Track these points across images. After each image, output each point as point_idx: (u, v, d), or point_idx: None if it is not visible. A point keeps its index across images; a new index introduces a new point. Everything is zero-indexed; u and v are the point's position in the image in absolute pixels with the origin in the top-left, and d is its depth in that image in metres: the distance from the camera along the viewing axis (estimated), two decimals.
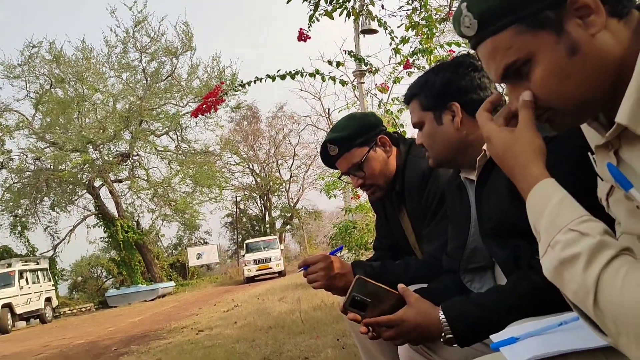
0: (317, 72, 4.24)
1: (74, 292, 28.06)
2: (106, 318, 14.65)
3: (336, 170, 2.13)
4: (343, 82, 4.53)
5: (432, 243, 1.78)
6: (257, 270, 22.46)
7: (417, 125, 1.50)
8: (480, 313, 1.20)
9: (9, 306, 16.24)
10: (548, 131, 1.09)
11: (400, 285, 1.38)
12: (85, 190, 25.13)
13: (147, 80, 25.52)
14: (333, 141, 1.90)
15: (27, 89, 24.20)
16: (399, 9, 4.79)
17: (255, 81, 4.06)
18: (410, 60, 4.64)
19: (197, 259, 29.06)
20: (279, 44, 76.97)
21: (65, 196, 25.10)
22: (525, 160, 0.82)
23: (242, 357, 4.73)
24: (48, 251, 24.94)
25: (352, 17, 4.38)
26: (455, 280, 1.52)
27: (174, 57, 25.57)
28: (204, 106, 3.98)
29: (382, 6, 4.63)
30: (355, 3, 4.44)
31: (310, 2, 4.14)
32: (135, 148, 26.02)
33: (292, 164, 37.34)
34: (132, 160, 26.64)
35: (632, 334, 0.62)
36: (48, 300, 19.14)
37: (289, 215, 38.11)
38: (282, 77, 4.03)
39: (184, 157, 27.06)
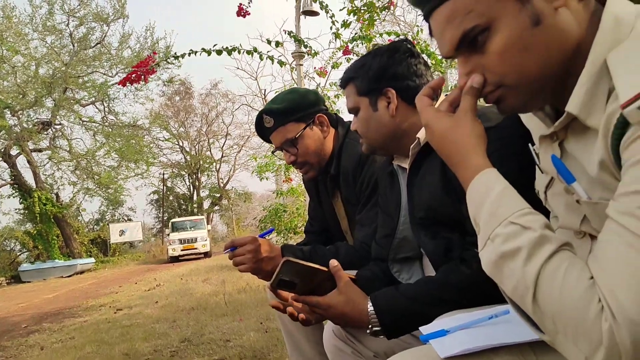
0: (255, 50, 4.16)
1: None
2: (18, 293, 13.82)
3: (270, 152, 2.06)
4: (281, 63, 4.46)
5: (363, 229, 1.75)
6: (182, 250, 22.02)
7: (353, 110, 1.46)
8: (409, 305, 1.19)
9: None
10: (487, 121, 1.08)
11: (333, 263, 1.33)
12: (0, 158, 23.60)
13: (74, 46, 24.23)
14: (269, 112, 1.83)
15: None
16: None
17: (190, 54, 3.94)
18: (350, 46, 4.63)
19: (120, 235, 28.22)
20: (218, 21, 75.25)
21: None
22: (465, 148, 0.79)
23: (161, 337, 4.61)
24: None
25: None
26: (384, 268, 1.50)
27: (105, 24, 24.51)
28: (134, 76, 3.81)
29: None
30: None
31: None
32: (57, 117, 24.65)
33: (224, 144, 36.71)
34: (53, 130, 25.25)
35: (570, 332, 0.61)
36: None
37: (218, 195, 37.62)
38: (219, 52, 3.93)
39: (110, 130, 26.01)
